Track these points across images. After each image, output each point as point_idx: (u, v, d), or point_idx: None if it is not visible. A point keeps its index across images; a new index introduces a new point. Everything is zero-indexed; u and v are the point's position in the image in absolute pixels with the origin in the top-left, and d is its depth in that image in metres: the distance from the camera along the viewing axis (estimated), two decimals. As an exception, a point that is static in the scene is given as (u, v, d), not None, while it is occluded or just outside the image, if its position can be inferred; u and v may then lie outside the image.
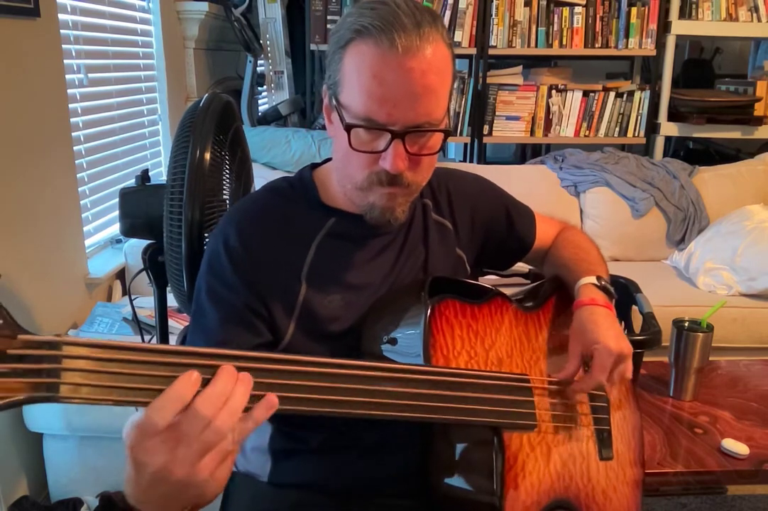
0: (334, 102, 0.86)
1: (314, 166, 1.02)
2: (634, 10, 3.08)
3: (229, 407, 0.60)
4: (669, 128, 3.19)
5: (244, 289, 0.91)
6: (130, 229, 1.37)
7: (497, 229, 1.10)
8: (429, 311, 0.86)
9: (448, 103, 0.87)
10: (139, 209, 1.34)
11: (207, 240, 1.15)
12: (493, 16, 3.07)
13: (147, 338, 1.55)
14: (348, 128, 0.83)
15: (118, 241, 2.40)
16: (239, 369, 0.62)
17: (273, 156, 2.86)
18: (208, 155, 1.20)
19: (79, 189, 2.13)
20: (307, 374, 0.69)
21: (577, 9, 3.08)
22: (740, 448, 1.21)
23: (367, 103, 0.81)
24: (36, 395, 0.55)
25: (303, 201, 0.97)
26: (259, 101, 3.64)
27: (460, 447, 0.90)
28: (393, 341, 0.89)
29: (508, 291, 1.03)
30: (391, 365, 0.77)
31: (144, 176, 1.35)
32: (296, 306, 0.93)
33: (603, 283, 1.01)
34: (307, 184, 0.98)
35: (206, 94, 1.31)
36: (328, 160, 1.00)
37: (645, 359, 1.41)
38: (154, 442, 0.58)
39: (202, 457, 0.59)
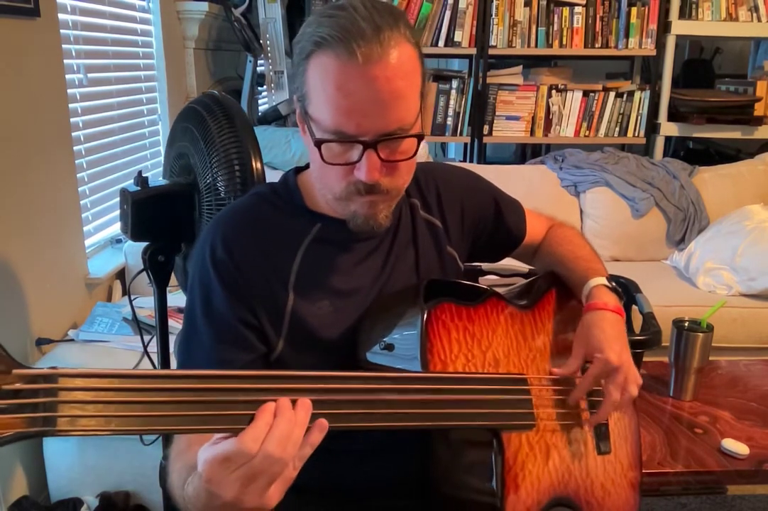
0: (304, 114, 0.85)
1: (298, 170, 1.00)
2: (634, 10, 3.08)
3: (293, 440, 0.65)
4: (669, 128, 3.19)
5: (236, 304, 0.90)
6: (140, 234, 1.37)
7: (487, 224, 1.09)
8: (425, 316, 0.86)
9: (420, 103, 0.85)
10: (155, 214, 1.34)
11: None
12: (493, 16, 3.07)
13: (147, 337, 1.55)
14: (318, 144, 0.82)
15: (118, 241, 2.40)
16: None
17: (273, 156, 2.86)
18: (260, 163, 1.25)
19: (79, 189, 2.13)
20: (300, 391, 0.69)
21: (577, 9, 3.08)
22: (740, 448, 1.21)
23: (334, 116, 0.79)
24: (31, 431, 0.55)
25: (288, 207, 0.96)
26: (259, 101, 3.64)
27: (459, 449, 0.89)
28: (390, 347, 0.88)
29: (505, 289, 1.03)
30: (387, 375, 0.76)
31: (142, 179, 1.35)
32: (285, 316, 0.91)
33: (613, 284, 1.01)
34: (292, 190, 0.97)
35: (217, 93, 1.31)
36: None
37: (645, 359, 1.41)
38: (231, 478, 0.63)
39: (269, 487, 0.65)
